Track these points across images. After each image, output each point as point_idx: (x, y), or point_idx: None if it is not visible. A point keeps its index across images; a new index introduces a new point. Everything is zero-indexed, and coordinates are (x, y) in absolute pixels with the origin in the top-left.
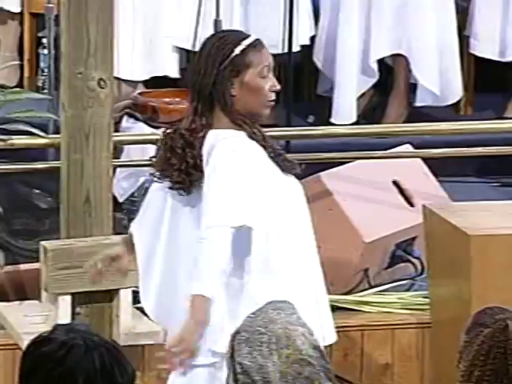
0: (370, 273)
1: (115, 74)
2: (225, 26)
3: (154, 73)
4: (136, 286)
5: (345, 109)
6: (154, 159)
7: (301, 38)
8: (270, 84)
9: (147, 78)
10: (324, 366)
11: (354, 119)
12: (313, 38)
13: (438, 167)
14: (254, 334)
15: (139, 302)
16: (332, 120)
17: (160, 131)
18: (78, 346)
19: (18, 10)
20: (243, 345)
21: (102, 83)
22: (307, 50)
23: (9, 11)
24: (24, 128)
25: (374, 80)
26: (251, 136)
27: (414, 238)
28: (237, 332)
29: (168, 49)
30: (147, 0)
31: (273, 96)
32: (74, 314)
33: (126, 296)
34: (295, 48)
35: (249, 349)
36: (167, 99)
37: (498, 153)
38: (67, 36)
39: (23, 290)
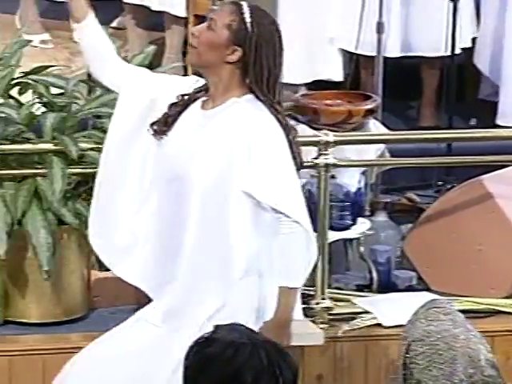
0: None
1: None
2: (387, 28)
3: (316, 76)
4: None
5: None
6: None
7: (463, 41)
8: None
9: (309, 81)
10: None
11: None
12: (474, 40)
13: None
14: (433, 350)
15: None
16: (498, 122)
17: (321, 133)
18: (245, 344)
19: (183, 14)
20: (420, 357)
21: None
22: (470, 51)
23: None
24: None
25: None
26: None
27: None
28: (413, 340)
29: (330, 51)
30: (308, 2)
31: (191, 38)
32: None
33: None
34: (457, 50)
35: (427, 363)
36: (328, 101)
37: None
38: None
39: None
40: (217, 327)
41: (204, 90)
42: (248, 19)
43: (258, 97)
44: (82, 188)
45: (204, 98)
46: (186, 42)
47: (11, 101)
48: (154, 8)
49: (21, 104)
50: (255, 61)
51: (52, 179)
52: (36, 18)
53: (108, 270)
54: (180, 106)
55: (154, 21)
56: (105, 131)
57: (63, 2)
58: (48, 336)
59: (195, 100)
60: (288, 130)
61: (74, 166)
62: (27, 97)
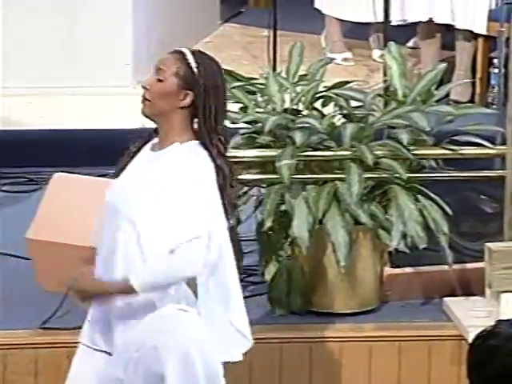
0: None
1: None
2: None
3: None
4: None
5: None
6: None
7: None
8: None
9: None
10: None
11: None
12: None
13: None
14: None
15: None
16: None
17: None
18: None
19: (484, 31)
20: None
21: None
22: None
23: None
24: (473, 139)
25: None
26: None
27: None
28: None
29: None
30: None
31: (143, 92)
32: None
33: None
34: None
35: None
36: None
37: None
38: None
39: (469, 287)
40: (498, 322)
41: (155, 132)
42: (193, 64)
43: (203, 142)
44: (377, 192)
45: (155, 140)
46: (475, 60)
47: (315, 112)
48: (458, 26)
49: (323, 115)
50: (205, 101)
51: (350, 183)
52: (339, 38)
53: (399, 266)
54: (133, 152)
55: (446, 40)
56: (398, 141)
57: (365, 23)
58: (344, 325)
59: (147, 142)
60: (223, 174)
61: (369, 171)
62: (329, 109)
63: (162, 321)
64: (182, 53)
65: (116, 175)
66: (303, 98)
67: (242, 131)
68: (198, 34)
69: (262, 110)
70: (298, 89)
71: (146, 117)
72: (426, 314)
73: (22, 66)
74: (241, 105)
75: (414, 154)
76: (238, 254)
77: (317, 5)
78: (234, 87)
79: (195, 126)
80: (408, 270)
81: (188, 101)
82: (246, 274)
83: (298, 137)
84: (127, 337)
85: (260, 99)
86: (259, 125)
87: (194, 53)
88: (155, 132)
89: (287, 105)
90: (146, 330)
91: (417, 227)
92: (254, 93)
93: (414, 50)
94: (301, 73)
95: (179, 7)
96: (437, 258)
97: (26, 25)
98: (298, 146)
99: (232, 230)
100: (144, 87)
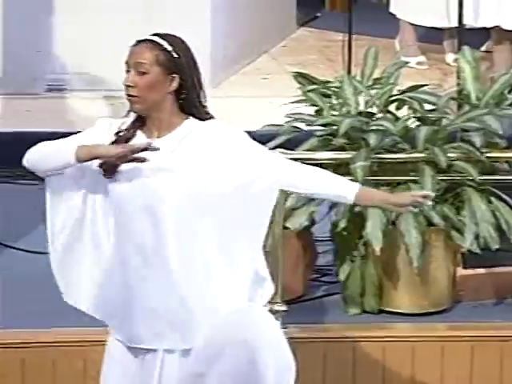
0: None
1: None
2: None
3: None
4: None
5: None
6: None
7: None
8: (125, 79)
9: None
10: None
11: None
12: None
13: None
14: None
15: None
16: None
17: None
18: None
19: None
20: None
21: None
22: None
23: None
24: None
25: None
26: None
27: None
28: None
29: None
30: None
31: (128, 90)
32: None
33: None
34: None
35: None
36: None
37: None
38: None
39: None
40: None
41: (137, 122)
42: (169, 47)
43: (196, 117)
44: (449, 194)
45: (142, 130)
46: None
47: (389, 115)
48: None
49: (397, 118)
50: (191, 79)
51: (423, 185)
52: (414, 42)
53: (472, 267)
54: (122, 142)
55: None
56: (471, 144)
57: (438, 28)
58: (417, 325)
59: (134, 134)
60: None
61: (442, 173)
62: (403, 112)
63: (243, 315)
64: (151, 41)
65: (108, 170)
66: (377, 101)
67: (317, 133)
68: (274, 38)
69: (336, 112)
70: (373, 92)
71: (138, 112)
72: (499, 314)
73: (96, 67)
74: (316, 108)
75: (487, 157)
76: (313, 253)
77: (392, 9)
78: (309, 90)
79: (185, 106)
80: (481, 270)
81: (175, 84)
82: (321, 274)
83: (372, 139)
84: (208, 333)
85: (335, 102)
86: (334, 127)
87: (162, 37)
88: (139, 121)
89: (362, 107)
90: (228, 325)
91: (489, 228)
92: (329, 96)
93: (488, 54)
94: (375, 76)
95: (256, 11)
96: (509, 259)
97: (99, 24)
98: (372, 148)
99: (306, 230)
100: (128, 85)
